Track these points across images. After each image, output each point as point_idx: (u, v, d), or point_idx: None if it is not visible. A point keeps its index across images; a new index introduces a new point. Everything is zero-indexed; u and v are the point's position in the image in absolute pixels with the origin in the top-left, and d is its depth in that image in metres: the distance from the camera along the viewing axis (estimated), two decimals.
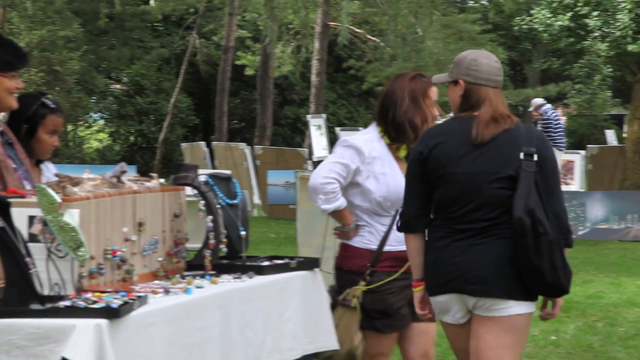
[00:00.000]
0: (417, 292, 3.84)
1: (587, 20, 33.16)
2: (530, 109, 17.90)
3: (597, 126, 32.33)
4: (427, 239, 3.76)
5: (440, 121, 4.14)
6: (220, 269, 4.02)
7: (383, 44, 22.22)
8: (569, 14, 33.64)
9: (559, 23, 33.78)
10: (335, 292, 4.30)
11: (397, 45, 20.30)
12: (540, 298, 3.74)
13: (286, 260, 4.34)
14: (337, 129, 18.03)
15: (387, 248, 4.19)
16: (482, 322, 3.63)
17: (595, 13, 32.89)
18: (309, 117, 17.92)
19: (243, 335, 3.73)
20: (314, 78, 21.56)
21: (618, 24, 32.07)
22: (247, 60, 23.39)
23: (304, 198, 7.77)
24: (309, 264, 4.38)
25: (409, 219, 3.77)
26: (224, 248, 4.11)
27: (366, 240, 4.23)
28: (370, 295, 4.19)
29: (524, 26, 34.60)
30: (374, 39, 22.90)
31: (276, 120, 24.54)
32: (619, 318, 7.12)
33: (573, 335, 6.60)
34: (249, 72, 23.44)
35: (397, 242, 4.12)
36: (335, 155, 4.24)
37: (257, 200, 15.35)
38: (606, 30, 32.75)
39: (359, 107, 26.88)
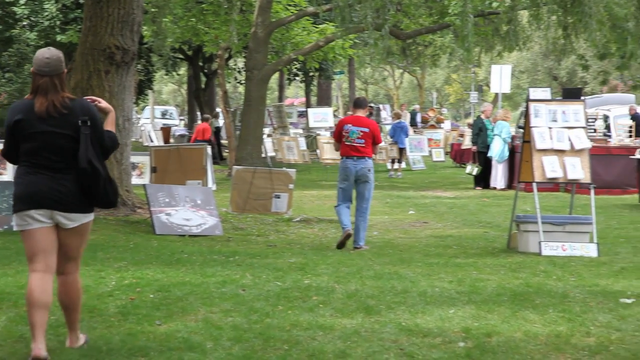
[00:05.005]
0: None
1: (15, 8, 32.89)
2: None
3: None
4: (20, 174, 5.66)
5: None
6: None
7: None
8: None
9: None
10: None
11: None
12: None
13: None
14: None
15: None
16: (68, 233, 5.76)
17: (23, 1, 32.76)
18: None
19: None
20: None
21: (46, 13, 32.31)
22: None
23: None
24: None
25: (8, 162, 5.81)
26: None
27: None
28: None
29: None
30: None
31: None
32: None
33: (4, 326, 6.53)
34: None
35: None
36: None
37: None
38: (34, 19, 32.81)
39: None
